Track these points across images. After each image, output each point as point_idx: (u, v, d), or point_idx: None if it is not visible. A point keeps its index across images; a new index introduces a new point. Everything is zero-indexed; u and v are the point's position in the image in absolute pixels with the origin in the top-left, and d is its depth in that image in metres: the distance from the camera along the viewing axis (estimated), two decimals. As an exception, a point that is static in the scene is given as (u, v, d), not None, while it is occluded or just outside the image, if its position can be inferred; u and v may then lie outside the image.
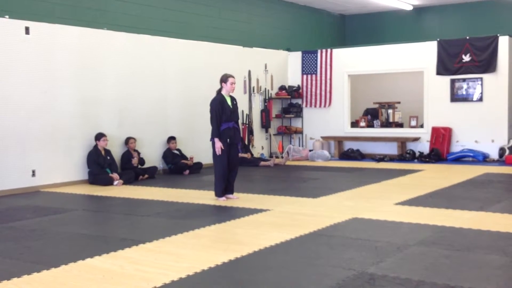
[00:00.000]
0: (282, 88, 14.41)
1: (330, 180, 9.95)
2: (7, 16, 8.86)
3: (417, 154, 12.89)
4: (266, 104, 13.88)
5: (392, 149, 13.39)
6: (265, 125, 13.85)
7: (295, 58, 14.63)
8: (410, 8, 16.01)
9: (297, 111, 14.53)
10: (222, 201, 7.79)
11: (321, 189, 8.72)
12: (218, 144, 7.73)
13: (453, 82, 12.74)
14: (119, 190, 9.10)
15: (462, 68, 12.57)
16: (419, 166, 11.67)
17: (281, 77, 14.54)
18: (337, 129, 14.08)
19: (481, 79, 12.40)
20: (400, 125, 14.17)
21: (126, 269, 4.64)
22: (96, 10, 10.34)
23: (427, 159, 12.46)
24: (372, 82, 15.44)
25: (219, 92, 7.96)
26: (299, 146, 14.36)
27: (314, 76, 14.34)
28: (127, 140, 10.46)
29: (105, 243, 5.56)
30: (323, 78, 14.23)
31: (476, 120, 12.51)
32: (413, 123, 13.59)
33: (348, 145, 13.96)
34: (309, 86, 14.41)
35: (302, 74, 14.49)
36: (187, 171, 11.04)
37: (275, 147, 13.92)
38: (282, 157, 13.22)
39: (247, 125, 13.32)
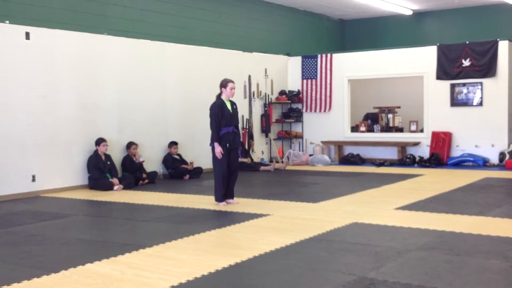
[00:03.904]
0: (282, 92, 14.43)
1: (330, 185, 9.95)
2: (7, 21, 8.87)
3: (417, 158, 12.88)
4: (266, 108, 13.89)
5: (392, 154, 13.39)
6: (265, 130, 13.85)
7: (295, 63, 14.65)
8: (410, 12, 16.03)
9: (297, 116, 14.54)
10: (222, 206, 7.79)
11: (321, 194, 8.72)
12: (218, 149, 7.73)
13: (453, 86, 12.75)
14: (119, 195, 9.10)
15: (462, 72, 12.58)
16: (419, 171, 11.67)
17: (281, 82, 14.55)
18: (337, 134, 14.08)
19: (481, 83, 12.42)
20: (400, 129, 14.18)
21: (126, 274, 4.64)
22: (96, 15, 10.36)
23: (427, 164, 12.46)
24: (372, 87, 15.46)
25: (218, 96, 7.97)
26: (299, 150, 14.37)
27: (314, 80, 14.36)
28: (129, 145, 10.45)
29: (105, 248, 5.55)
30: (323, 82, 14.24)
31: (476, 124, 12.52)
32: (413, 127, 13.60)
33: (348, 150, 13.96)
34: (309, 91, 14.43)
35: (302, 78, 14.51)
36: (187, 176, 11.05)
37: (275, 151, 13.92)
38: (282, 162, 13.21)
39: (247, 130, 13.33)
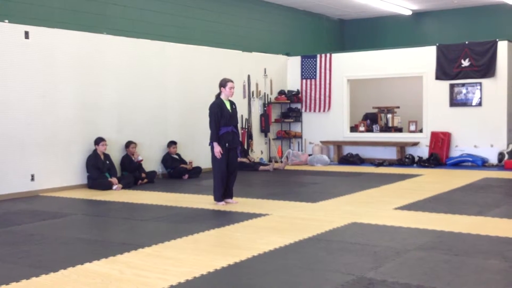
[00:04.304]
0: (281, 92, 14.43)
1: (329, 185, 9.95)
2: (6, 21, 8.87)
3: (416, 158, 12.89)
4: (265, 108, 13.89)
5: (391, 154, 13.40)
6: (265, 130, 13.86)
7: (294, 63, 14.65)
8: (409, 13, 16.04)
9: (297, 116, 14.54)
10: (221, 206, 7.79)
11: (320, 194, 8.72)
12: (217, 148, 7.73)
13: (452, 86, 12.75)
14: (118, 195, 9.10)
15: (461, 73, 12.58)
16: (418, 171, 11.67)
17: (281, 82, 14.55)
18: (336, 134, 14.09)
19: (480, 84, 12.42)
20: (399, 129, 14.18)
21: (125, 274, 4.63)
22: (96, 15, 10.35)
23: (426, 164, 12.47)
24: (371, 87, 15.46)
25: (218, 96, 7.97)
26: (299, 150, 14.37)
27: (313, 80, 14.36)
28: (128, 144, 10.45)
29: (104, 248, 5.55)
30: (323, 82, 14.24)
31: (475, 125, 12.53)
32: (412, 127, 13.61)
33: (347, 150, 13.96)
34: (308, 91, 14.43)
35: (302, 78, 14.51)
36: (186, 176, 11.05)
37: (275, 151, 13.92)
38: (281, 162, 13.21)
39: (246, 130, 13.33)
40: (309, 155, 13.78)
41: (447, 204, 7.59)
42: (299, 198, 8.31)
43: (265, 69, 13.93)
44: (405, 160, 12.91)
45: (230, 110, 7.92)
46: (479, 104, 12.47)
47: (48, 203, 8.48)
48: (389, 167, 12.63)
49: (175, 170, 11.09)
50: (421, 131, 13.38)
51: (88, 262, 4.96)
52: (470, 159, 12.37)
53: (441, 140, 12.79)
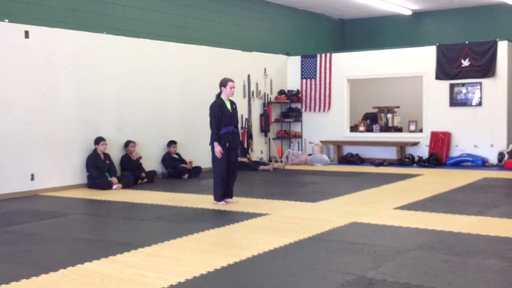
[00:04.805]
0: (281, 92, 14.43)
1: (329, 185, 9.95)
2: (6, 20, 8.87)
3: (416, 158, 12.89)
4: (265, 108, 13.89)
5: (391, 154, 13.40)
6: (264, 129, 13.85)
7: (294, 63, 14.65)
8: (409, 12, 16.04)
9: (297, 116, 14.54)
10: (221, 205, 7.79)
11: (320, 194, 8.72)
12: (218, 148, 7.73)
13: (452, 86, 12.76)
14: (118, 194, 9.10)
15: (461, 72, 12.59)
16: (418, 171, 11.67)
17: (281, 82, 14.55)
18: (336, 134, 14.08)
19: (480, 83, 12.42)
20: (399, 129, 14.19)
21: (124, 273, 4.63)
22: (96, 14, 10.35)
23: (426, 164, 12.47)
24: (371, 87, 15.46)
25: (218, 96, 7.97)
26: (298, 150, 14.37)
27: (313, 80, 14.36)
28: (127, 143, 10.45)
29: (104, 247, 5.56)
30: (323, 82, 14.24)
31: (475, 124, 12.53)
32: (412, 127, 13.61)
33: (347, 150, 13.97)
34: (308, 91, 14.43)
35: (302, 78, 14.51)
36: (186, 175, 11.05)
37: (274, 151, 13.92)
38: (281, 162, 13.21)
39: (246, 129, 13.33)
40: (309, 155, 13.79)
41: (447, 204, 7.59)
42: (299, 198, 8.31)
43: (265, 69, 13.93)
44: (405, 160, 12.92)
45: (230, 110, 7.92)
46: (479, 104, 12.47)
47: (48, 202, 8.48)
48: (389, 167, 12.63)
49: (175, 170, 11.09)
50: (421, 131, 13.38)
51: (88, 262, 4.96)
52: (470, 159, 12.37)
53: (441, 140, 12.79)
